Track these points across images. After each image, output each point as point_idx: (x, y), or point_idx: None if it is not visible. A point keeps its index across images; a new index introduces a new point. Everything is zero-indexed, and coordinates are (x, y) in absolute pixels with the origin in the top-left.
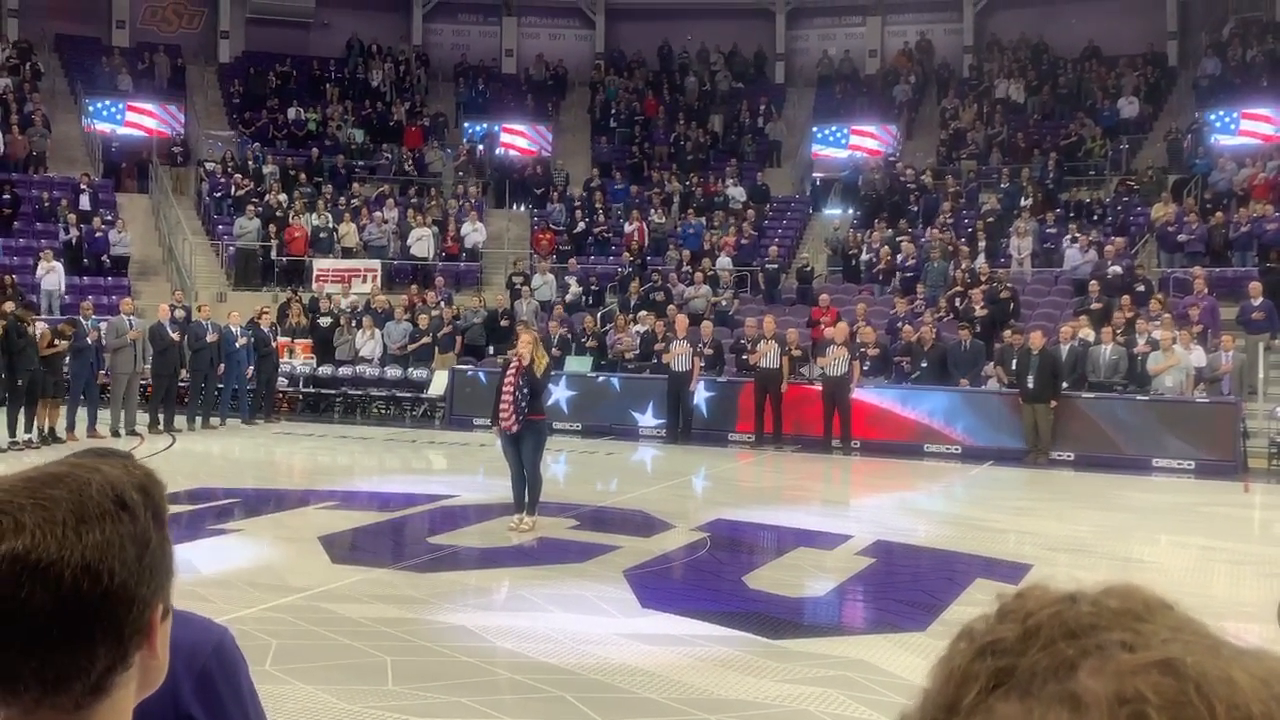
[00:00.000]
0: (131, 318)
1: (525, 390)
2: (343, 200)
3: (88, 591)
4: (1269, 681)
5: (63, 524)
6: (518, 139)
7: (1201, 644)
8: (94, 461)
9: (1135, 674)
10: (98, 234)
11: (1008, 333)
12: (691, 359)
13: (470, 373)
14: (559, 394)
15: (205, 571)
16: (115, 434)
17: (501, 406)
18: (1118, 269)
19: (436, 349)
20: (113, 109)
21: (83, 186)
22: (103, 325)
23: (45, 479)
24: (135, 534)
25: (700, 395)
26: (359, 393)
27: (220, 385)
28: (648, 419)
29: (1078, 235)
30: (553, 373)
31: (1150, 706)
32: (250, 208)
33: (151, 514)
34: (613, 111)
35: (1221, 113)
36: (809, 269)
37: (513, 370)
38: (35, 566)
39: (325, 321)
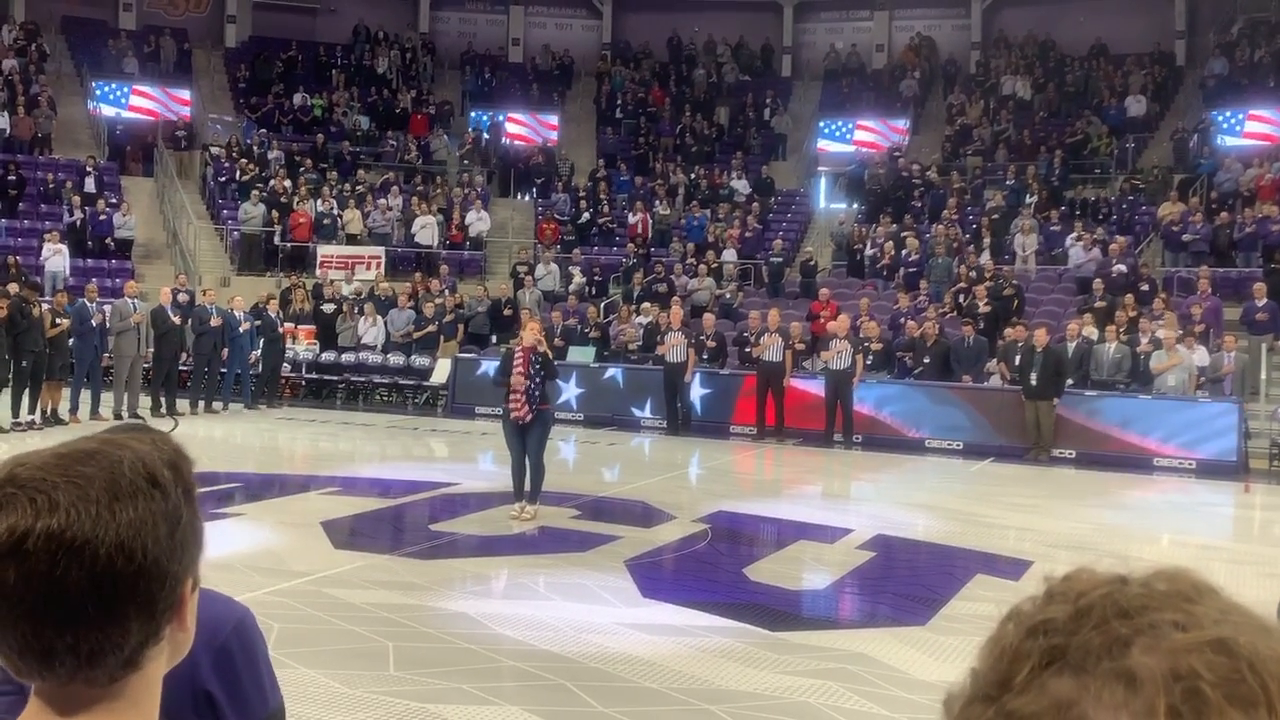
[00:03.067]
0: (135, 301)
1: (538, 380)
2: (347, 187)
3: (122, 569)
4: None
5: (97, 502)
6: (523, 129)
7: (1252, 625)
8: (124, 438)
9: (1189, 652)
10: (102, 217)
11: (1009, 329)
12: (686, 350)
13: (480, 367)
14: (568, 390)
15: (207, 555)
16: (118, 416)
17: (513, 396)
18: (1122, 268)
19: (440, 337)
20: (118, 92)
21: (88, 169)
22: (106, 308)
23: (77, 456)
24: (167, 511)
25: (697, 389)
26: (362, 379)
27: (223, 370)
28: (648, 411)
29: (1082, 233)
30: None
31: (1204, 683)
32: (255, 193)
33: (182, 490)
34: (619, 102)
35: (1228, 113)
36: (813, 263)
37: (520, 359)
38: (71, 544)
39: (329, 308)
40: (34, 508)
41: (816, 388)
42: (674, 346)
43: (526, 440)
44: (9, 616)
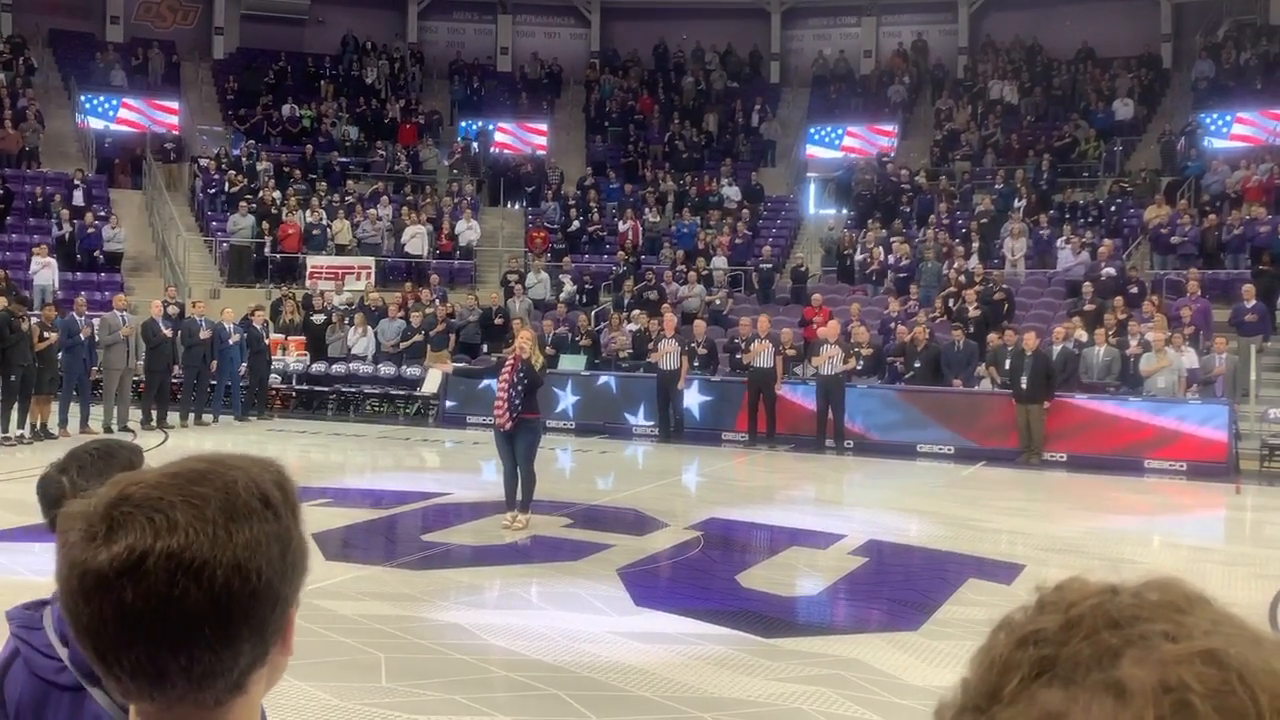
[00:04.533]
0: (124, 314)
1: (520, 387)
2: (337, 197)
3: (238, 590)
4: None
5: (214, 522)
6: (511, 139)
7: (1243, 636)
8: (234, 458)
9: (1179, 663)
10: (90, 230)
11: (993, 335)
12: (679, 358)
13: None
14: (564, 398)
15: None
16: (108, 430)
17: (497, 403)
18: (1111, 270)
19: (430, 347)
20: (106, 105)
21: (76, 182)
22: (95, 321)
23: (191, 476)
24: (279, 532)
25: (694, 397)
26: (352, 390)
27: (213, 382)
28: (640, 418)
29: (1071, 237)
30: (547, 371)
31: (1194, 695)
32: (244, 204)
33: (291, 511)
34: (608, 110)
35: (1215, 115)
36: (803, 269)
37: (509, 366)
38: (189, 565)
39: (319, 319)
40: (153, 527)
41: (807, 394)
42: (667, 354)
43: (515, 449)
44: (126, 637)
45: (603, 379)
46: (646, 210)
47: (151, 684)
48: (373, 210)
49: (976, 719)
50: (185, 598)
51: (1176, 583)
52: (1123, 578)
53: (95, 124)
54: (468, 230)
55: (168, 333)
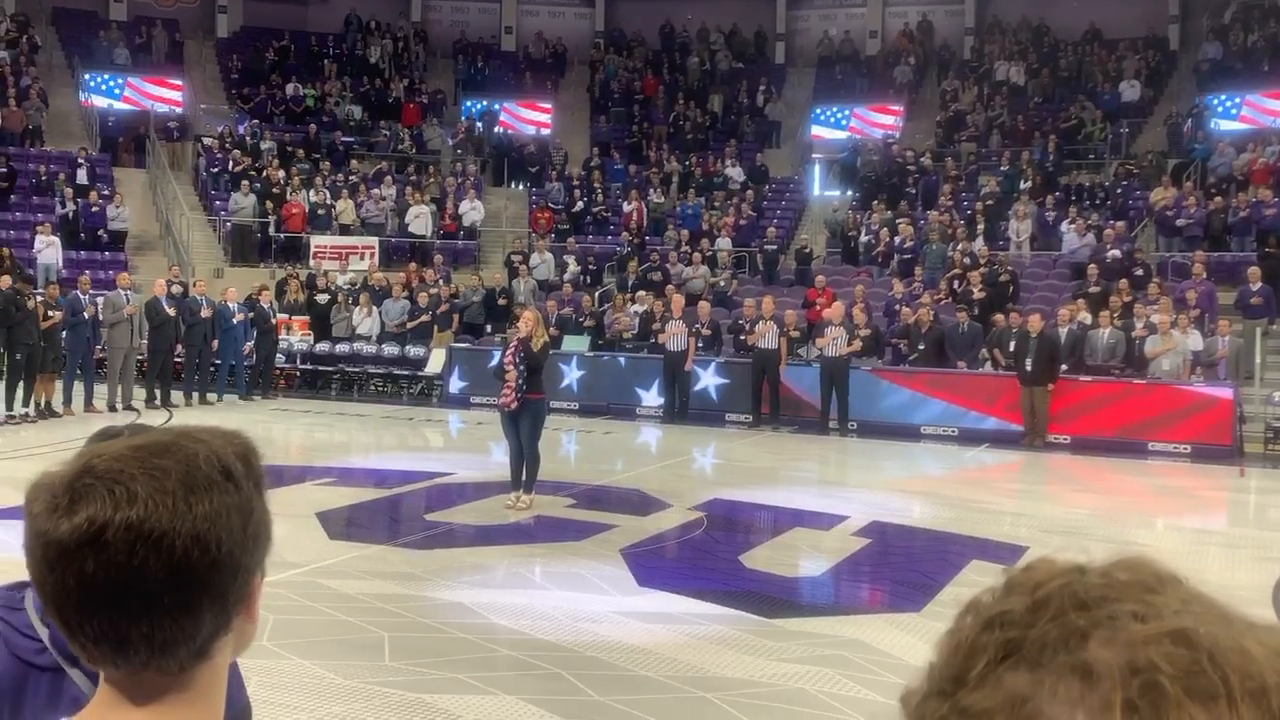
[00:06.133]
0: (128, 292)
1: (523, 368)
2: (341, 177)
3: (197, 561)
4: None
5: (173, 494)
6: (518, 121)
7: (1213, 615)
8: (199, 431)
9: (1148, 644)
10: (94, 209)
11: (999, 316)
12: (687, 339)
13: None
14: (569, 374)
15: None
16: (112, 409)
17: (504, 383)
18: (1116, 253)
19: (435, 327)
20: (110, 83)
21: (80, 161)
22: (99, 300)
23: (153, 448)
24: (240, 504)
25: (710, 378)
26: (356, 370)
27: (216, 361)
28: (646, 398)
29: (1077, 219)
30: (550, 352)
31: (1163, 676)
32: (246, 184)
33: (254, 484)
34: (612, 90)
35: (1222, 97)
36: (808, 250)
37: (511, 347)
38: (149, 536)
39: (323, 299)
40: (113, 499)
41: (811, 375)
42: (675, 335)
43: (519, 429)
44: (87, 606)
45: (607, 359)
46: (651, 191)
47: (115, 651)
48: (376, 190)
49: (942, 704)
50: (145, 568)
51: (1146, 562)
52: (1092, 558)
53: (99, 102)
54: (472, 210)
55: (171, 312)
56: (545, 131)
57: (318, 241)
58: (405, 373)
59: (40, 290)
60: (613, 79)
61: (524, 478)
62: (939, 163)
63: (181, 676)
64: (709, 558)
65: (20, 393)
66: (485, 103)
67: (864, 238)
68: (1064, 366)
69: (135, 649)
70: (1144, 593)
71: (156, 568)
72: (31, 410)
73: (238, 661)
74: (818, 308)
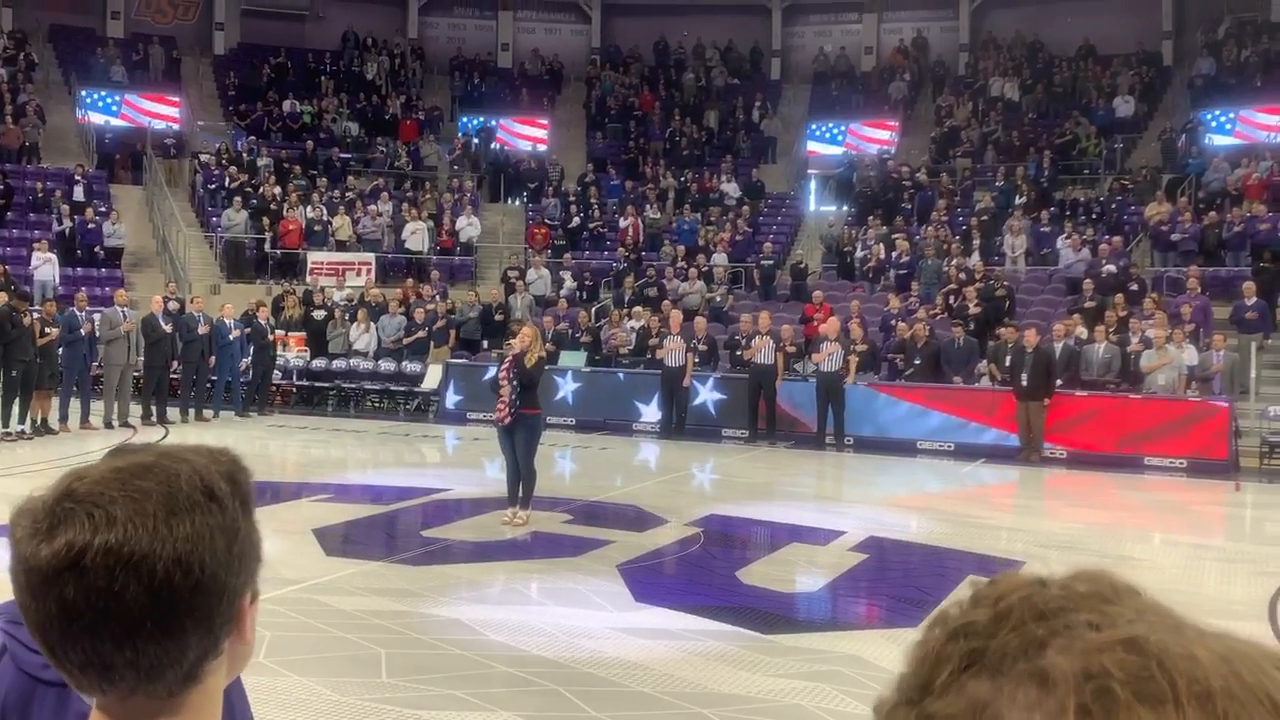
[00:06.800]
0: (125, 309)
1: (517, 383)
2: (337, 193)
3: (180, 583)
4: (1229, 658)
5: (154, 516)
6: (514, 137)
7: (1165, 624)
8: (182, 451)
9: (1101, 651)
10: (91, 225)
11: (999, 330)
12: (685, 355)
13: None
14: (564, 387)
15: None
16: (108, 425)
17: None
18: (1111, 268)
19: (431, 343)
20: (107, 100)
21: (77, 177)
22: (96, 317)
23: (134, 470)
24: (224, 524)
25: (708, 394)
26: (353, 386)
27: (213, 377)
28: (643, 414)
29: (1072, 234)
30: (545, 368)
31: (1115, 681)
32: (238, 200)
33: (240, 503)
34: (608, 106)
35: (1216, 112)
36: (803, 265)
37: (506, 362)
38: (128, 559)
39: (319, 315)
40: (91, 523)
41: (808, 391)
42: (673, 350)
43: (514, 444)
44: (69, 632)
45: (604, 375)
46: (647, 207)
47: (100, 677)
48: (373, 206)
49: (910, 711)
50: (125, 592)
51: (1104, 574)
52: (1053, 571)
53: (96, 119)
54: (468, 226)
55: (167, 328)
56: (542, 147)
57: (314, 258)
58: (402, 388)
59: (37, 307)
60: (609, 95)
61: (520, 494)
62: (934, 178)
63: (171, 701)
64: (706, 573)
65: (16, 410)
66: (482, 119)
67: (860, 253)
68: (1059, 381)
69: (120, 675)
70: (1100, 603)
71: (137, 592)
72: (28, 427)
73: (242, 681)
74: (814, 323)
